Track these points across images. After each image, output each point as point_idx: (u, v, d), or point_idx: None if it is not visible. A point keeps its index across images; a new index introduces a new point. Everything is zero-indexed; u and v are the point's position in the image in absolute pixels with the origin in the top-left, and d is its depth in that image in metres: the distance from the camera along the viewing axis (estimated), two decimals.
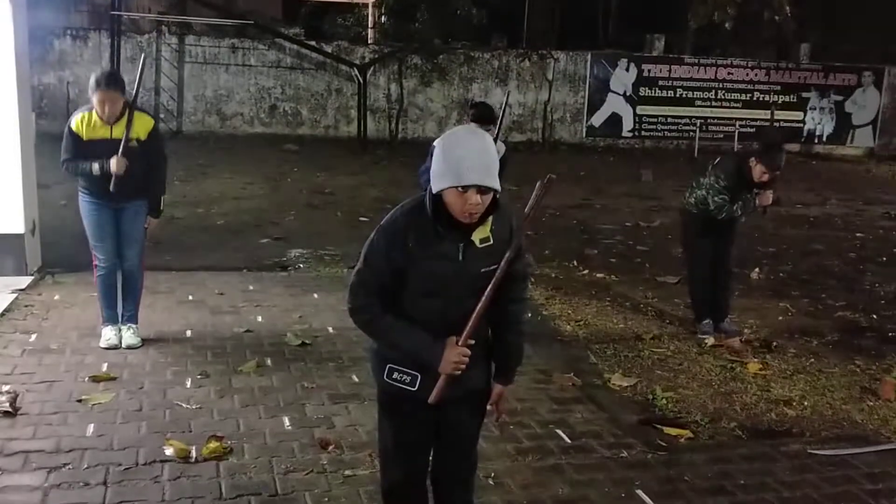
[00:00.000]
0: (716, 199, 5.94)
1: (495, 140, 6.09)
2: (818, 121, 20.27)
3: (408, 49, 17.88)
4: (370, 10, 20.80)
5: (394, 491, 2.92)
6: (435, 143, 2.70)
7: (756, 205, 5.96)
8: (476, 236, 2.64)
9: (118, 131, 5.05)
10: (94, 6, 19.62)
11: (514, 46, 19.58)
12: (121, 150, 5.01)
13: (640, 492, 3.83)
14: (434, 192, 2.60)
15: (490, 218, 2.65)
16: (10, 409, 4.25)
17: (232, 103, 17.76)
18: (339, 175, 13.56)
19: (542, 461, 4.09)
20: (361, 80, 17.58)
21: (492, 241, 2.66)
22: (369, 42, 19.31)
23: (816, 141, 20.33)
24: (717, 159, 6.32)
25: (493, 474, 3.91)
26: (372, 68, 17.86)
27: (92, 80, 4.98)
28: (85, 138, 5.08)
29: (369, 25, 20.36)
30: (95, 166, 5.05)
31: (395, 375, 2.75)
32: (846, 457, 4.33)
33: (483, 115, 5.91)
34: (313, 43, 18.01)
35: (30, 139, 6.91)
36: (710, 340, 6.09)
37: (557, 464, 4.07)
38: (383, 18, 19.66)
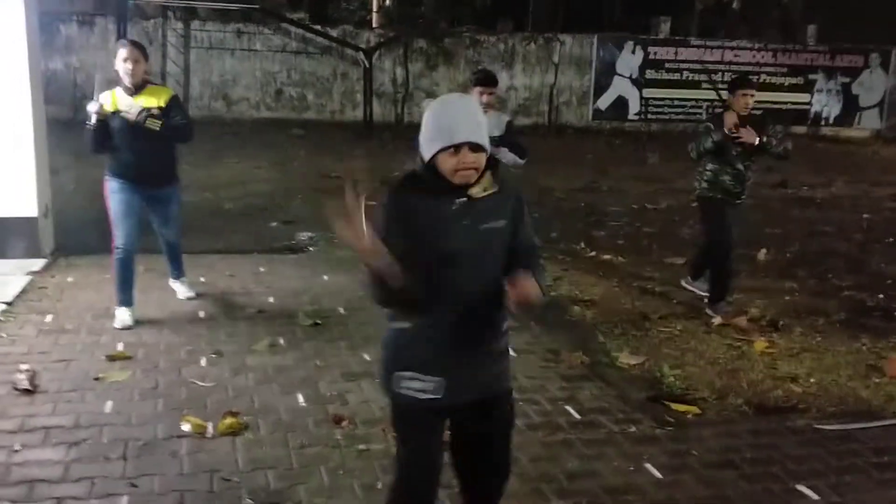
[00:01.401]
0: (705, 144, 6.05)
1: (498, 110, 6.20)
2: (825, 103, 20.20)
3: (413, 33, 17.85)
4: None
5: (404, 492, 2.81)
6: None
7: (742, 143, 6.02)
8: (474, 191, 2.59)
9: (142, 99, 5.27)
10: None
11: (520, 30, 19.53)
12: (142, 114, 5.22)
13: (648, 465, 3.90)
14: (427, 158, 2.57)
15: (487, 175, 2.61)
16: (29, 387, 4.34)
17: (238, 88, 17.77)
18: (346, 159, 13.59)
19: (551, 436, 4.16)
20: (367, 65, 17.58)
21: (491, 197, 2.61)
22: (374, 26, 19.29)
23: (823, 123, 20.27)
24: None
25: None
26: (377, 52, 17.85)
27: (116, 46, 5.32)
28: (111, 110, 5.27)
29: (374, 9, 20.33)
30: (91, 106, 5.22)
31: (411, 384, 2.64)
32: (852, 431, 4.39)
33: (487, 79, 6.05)
34: (318, 27, 18.00)
35: (42, 125, 6.97)
36: (718, 320, 6.14)
37: (567, 439, 4.14)
38: (387, 2, 19.62)
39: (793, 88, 19.80)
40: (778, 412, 4.64)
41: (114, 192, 5.39)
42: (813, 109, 20.18)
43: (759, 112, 6.38)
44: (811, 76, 19.99)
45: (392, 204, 2.60)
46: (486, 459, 2.83)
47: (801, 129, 19.87)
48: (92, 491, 3.45)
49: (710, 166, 6.23)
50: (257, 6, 17.78)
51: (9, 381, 4.41)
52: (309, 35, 17.84)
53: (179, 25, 17.43)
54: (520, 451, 3.94)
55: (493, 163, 2.64)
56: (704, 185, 6.29)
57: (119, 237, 5.41)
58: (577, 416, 4.41)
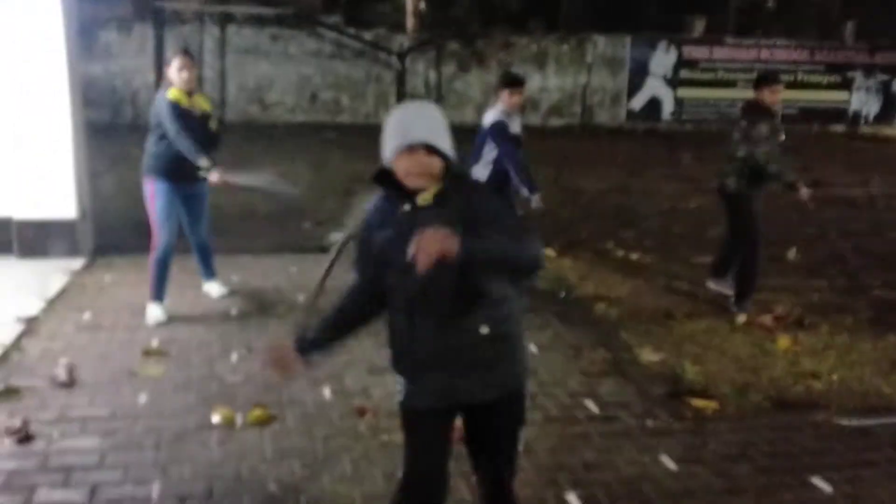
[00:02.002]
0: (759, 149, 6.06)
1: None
2: (864, 101, 19.95)
3: (446, 35, 17.99)
4: None
5: (410, 485, 2.85)
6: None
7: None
8: (421, 197, 2.57)
9: (197, 102, 5.65)
10: None
11: (553, 30, 19.56)
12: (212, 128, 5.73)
13: (664, 457, 3.97)
14: (385, 160, 2.60)
15: (444, 182, 2.59)
16: (67, 380, 4.54)
17: (273, 92, 18.05)
18: (380, 161, 13.73)
19: (569, 429, 4.25)
20: (400, 68, 17.76)
21: (440, 203, 2.56)
22: (408, 29, 19.46)
23: (863, 122, 20.02)
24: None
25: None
26: (410, 55, 18.02)
27: (169, 54, 5.69)
28: (181, 105, 5.56)
29: (408, 12, 20.52)
30: (203, 162, 5.51)
31: (403, 389, 2.74)
32: (871, 427, 4.41)
33: (514, 80, 6.29)
34: (352, 31, 18.21)
35: (81, 129, 7.20)
36: (743, 318, 6.17)
37: (585, 431, 4.23)
38: (422, 5, 19.79)
39: (831, 87, 19.58)
40: (798, 408, 4.68)
41: (160, 194, 5.61)
42: (851, 108, 19.94)
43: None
44: (849, 74, 19.75)
45: (365, 220, 2.71)
46: (489, 455, 2.85)
47: (838, 128, 19.67)
48: (126, 477, 3.62)
49: (741, 154, 6.18)
50: (292, 11, 18.04)
51: (49, 375, 4.62)
52: (343, 39, 18.06)
53: (216, 30, 17.75)
54: (536, 443, 4.05)
55: (451, 171, 2.60)
56: (733, 177, 6.28)
57: (162, 236, 5.62)
58: (595, 409, 4.49)
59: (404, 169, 2.55)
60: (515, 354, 2.75)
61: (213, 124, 5.73)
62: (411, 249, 2.36)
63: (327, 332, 2.84)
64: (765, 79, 6.49)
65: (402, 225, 2.56)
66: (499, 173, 6.18)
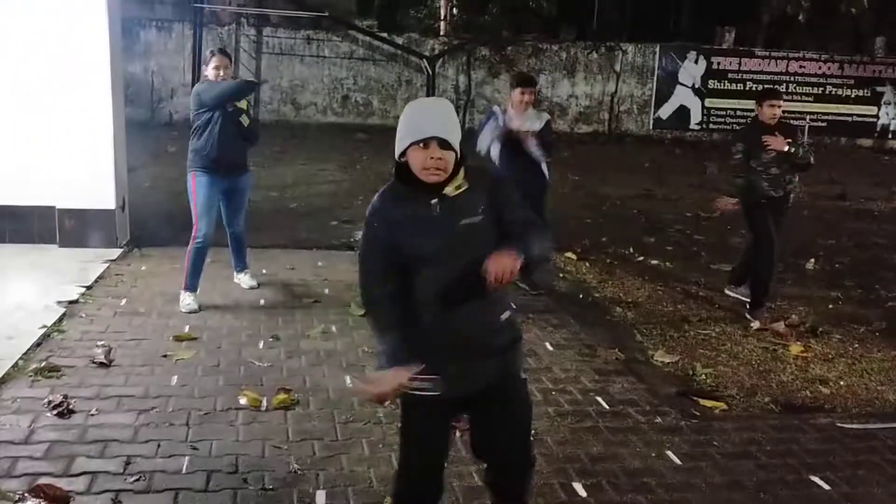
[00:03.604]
0: (734, 157, 6.48)
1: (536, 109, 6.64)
2: (893, 115, 19.88)
3: (476, 41, 18.21)
4: (443, 1, 21.19)
5: (408, 476, 2.94)
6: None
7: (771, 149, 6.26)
8: (448, 190, 2.65)
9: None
10: None
11: (584, 38, 19.72)
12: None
13: (669, 452, 4.13)
14: (398, 156, 2.68)
15: (461, 172, 2.68)
16: (104, 361, 4.80)
17: (306, 93, 18.37)
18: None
19: (579, 423, 4.42)
20: (430, 72, 18.00)
21: (465, 193, 2.66)
22: (441, 34, 19.70)
23: (891, 136, 19.94)
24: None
25: (533, 432, 4.24)
26: (441, 60, 18.25)
27: (206, 53, 5.94)
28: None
29: (441, 17, 20.75)
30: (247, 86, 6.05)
31: (412, 383, 2.66)
32: (873, 430, 4.54)
33: (526, 80, 6.63)
34: (385, 35, 18.48)
35: (121, 125, 7.50)
36: (756, 324, 6.30)
37: (594, 426, 4.40)
38: (455, 10, 20.02)
39: (859, 100, 19.56)
40: (803, 411, 4.81)
41: (200, 186, 5.86)
42: (880, 122, 19.87)
43: (788, 122, 6.63)
44: (879, 88, 19.70)
45: (374, 212, 2.72)
46: (504, 449, 2.89)
47: (867, 142, 19.61)
48: (158, 451, 3.85)
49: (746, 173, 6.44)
50: (326, 14, 18.36)
51: (88, 356, 4.88)
52: (375, 42, 18.33)
53: (252, 32, 18.12)
54: (547, 435, 4.23)
55: (463, 162, 2.70)
56: (743, 191, 6.48)
57: (202, 227, 5.87)
58: (606, 406, 4.66)
59: (420, 163, 2.62)
60: (519, 340, 2.88)
61: (244, 119, 5.97)
62: (489, 271, 2.50)
63: (408, 346, 2.72)
64: (761, 94, 6.75)
65: (434, 217, 2.64)
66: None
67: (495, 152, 6.44)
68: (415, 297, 2.71)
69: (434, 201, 2.65)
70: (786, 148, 6.19)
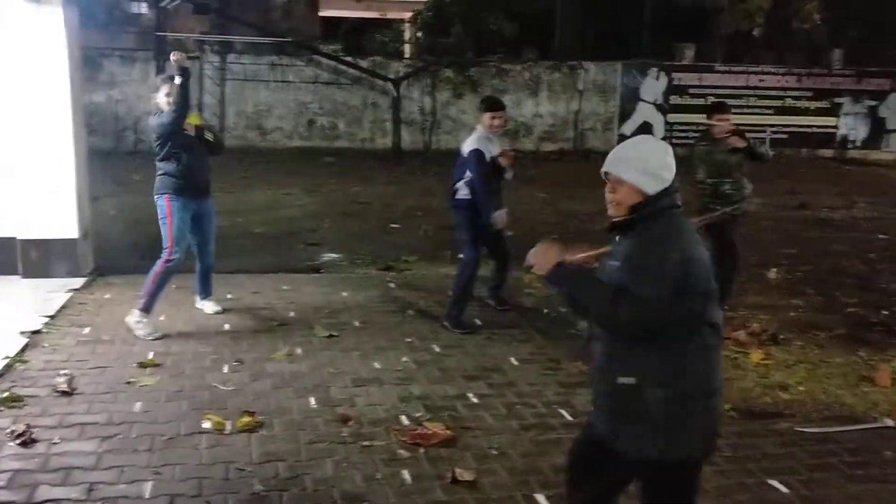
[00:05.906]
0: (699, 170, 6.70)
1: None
2: (851, 126, 20.28)
3: (440, 63, 18.38)
4: (406, 26, 21.37)
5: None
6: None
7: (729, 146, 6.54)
8: (614, 227, 2.88)
9: (192, 119, 6.00)
10: (141, 27, 20.44)
11: (546, 58, 19.96)
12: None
13: None
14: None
15: (632, 217, 2.80)
16: (67, 389, 4.78)
17: (272, 118, 18.39)
18: (375, 185, 14.04)
19: (543, 436, 4.46)
20: (396, 94, 18.12)
21: (622, 240, 2.82)
22: (406, 56, 19.84)
23: (850, 146, 20.34)
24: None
25: (496, 446, 4.29)
26: (406, 82, 18.38)
27: (159, 83, 5.96)
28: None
29: (406, 40, 20.91)
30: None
31: None
32: (831, 434, 4.63)
33: (496, 104, 6.52)
34: (349, 59, 18.58)
35: (83, 154, 7.48)
36: None
37: (558, 437, 4.44)
38: (419, 34, 20.19)
39: (819, 112, 19.93)
40: (763, 416, 4.89)
41: (175, 210, 5.90)
42: (840, 133, 20.27)
43: (736, 126, 6.81)
44: (837, 100, 20.10)
45: None
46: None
47: (827, 153, 19.97)
48: (121, 477, 3.84)
49: (711, 180, 6.63)
50: (290, 39, 18.43)
51: (50, 385, 4.86)
52: (340, 66, 18.42)
53: (216, 59, 18.12)
54: (511, 448, 4.27)
55: (646, 212, 2.71)
56: (706, 199, 6.59)
57: (177, 251, 5.89)
58: (569, 417, 4.71)
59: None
60: (633, 395, 2.83)
61: (209, 135, 6.12)
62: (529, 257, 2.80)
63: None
64: (710, 108, 7.19)
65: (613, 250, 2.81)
66: (476, 194, 6.41)
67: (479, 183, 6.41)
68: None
69: (615, 238, 2.87)
70: (744, 144, 6.51)
